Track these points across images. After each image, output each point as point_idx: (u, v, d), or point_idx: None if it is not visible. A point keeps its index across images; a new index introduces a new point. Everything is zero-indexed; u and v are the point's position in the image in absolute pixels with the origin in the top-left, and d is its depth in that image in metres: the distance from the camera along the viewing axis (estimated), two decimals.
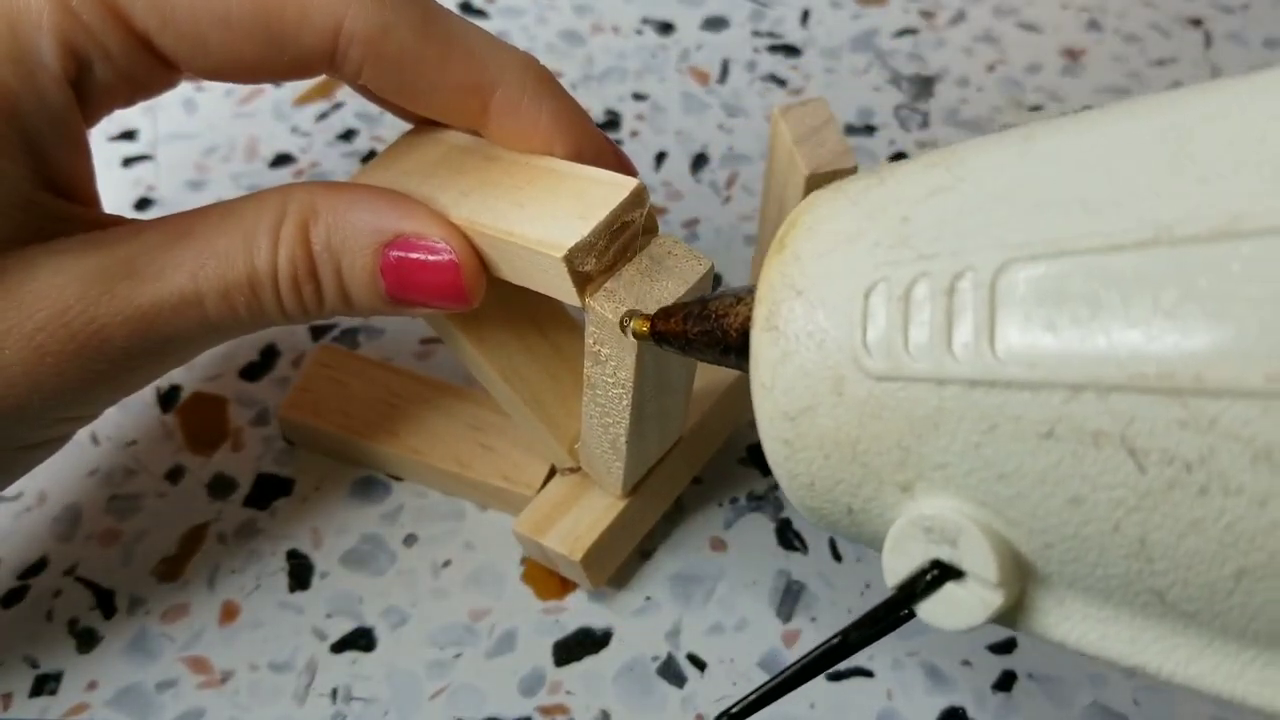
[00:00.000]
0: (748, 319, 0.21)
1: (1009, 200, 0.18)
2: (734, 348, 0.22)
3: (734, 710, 0.21)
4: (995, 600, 0.18)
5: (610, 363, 0.25)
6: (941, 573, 0.19)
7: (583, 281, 0.24)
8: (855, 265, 0.19)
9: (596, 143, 0.27)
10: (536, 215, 0.24)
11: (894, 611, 0.19)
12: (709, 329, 0.22)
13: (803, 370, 0.19)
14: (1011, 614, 0.19)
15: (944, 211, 0.19)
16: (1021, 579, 0.19)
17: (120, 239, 0.25)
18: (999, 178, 0.18)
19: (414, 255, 0.25)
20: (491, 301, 0.26)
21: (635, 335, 0.24)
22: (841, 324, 0.19)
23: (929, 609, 0.19)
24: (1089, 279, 0.16)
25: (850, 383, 0.19)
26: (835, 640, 0.20)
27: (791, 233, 0.21)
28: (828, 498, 0.20)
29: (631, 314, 0.24)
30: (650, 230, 0.25)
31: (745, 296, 0.22)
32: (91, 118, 0.26)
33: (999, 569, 0.18)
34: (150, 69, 0.26)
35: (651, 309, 0.24)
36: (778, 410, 0.20)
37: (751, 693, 0.21)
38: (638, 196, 0.24)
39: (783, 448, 0.20)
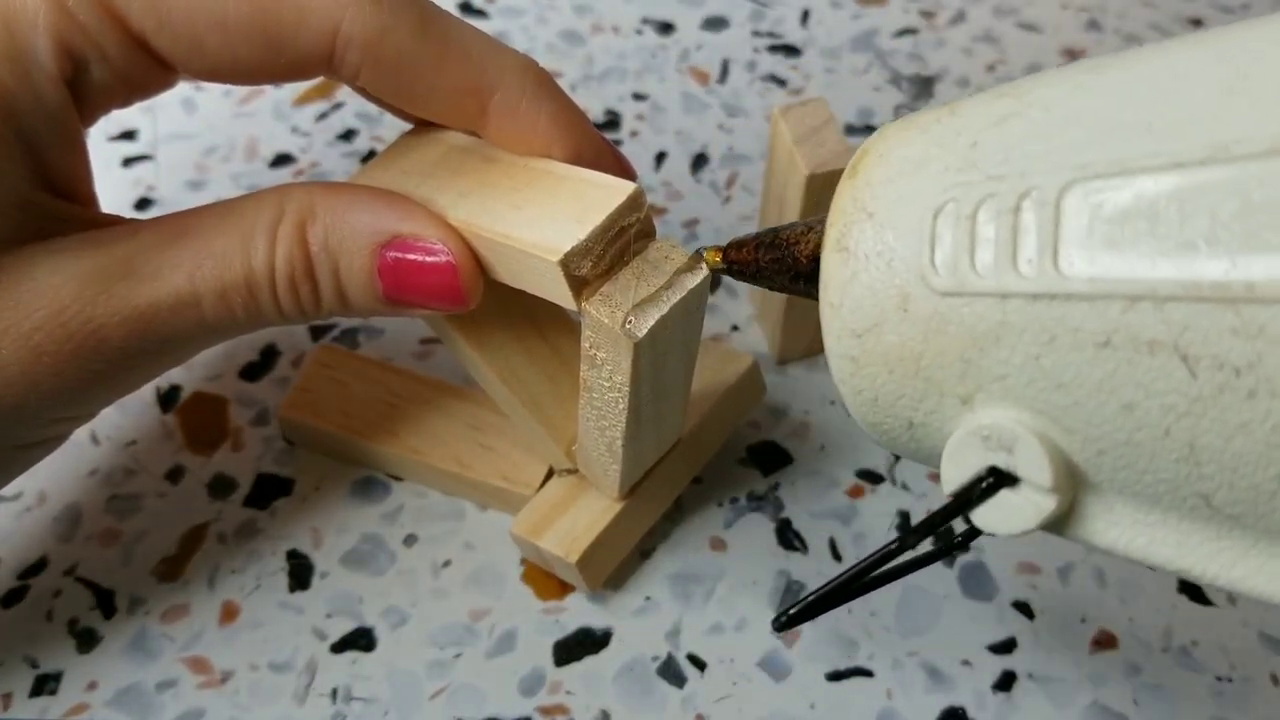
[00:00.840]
0: (819, 245, 0.22)
1: (1074, 125, 0.19)
2: (804, 274, 0.23)
3: (791, 611, 0.22)
4: (1048, 505, 0.19)
5: (606, 366, 0.25)
6: (997, 480, 0.19)
7: (579, 285, 0.24)
8: (924, 188, 0.20)
9: (595, 145, 0.27)
10: (534, 218, 0.24)
11: (951, 517, 0.20)
12: (780, 256, 0.23)
13: (871, 288, 0.20)
14: (1062, 520, 0.20)
15: (1011, 137, 0.19)
16: (1073, 485, 0.19)
17: (117, 238, 0.25)
18: (1065, 105, 0.19)
19: (411, 256, 0.25)
20: (489, 302, 0.26)
21: (709, 266, 0.24)
22: (910, 243, 0.20)
23: (983, 515, 0.20)
24: (1149, 196, 0.17)
25: (916, 300, 0.20)
26: (891, 545, 0.21)
27: (863, 160, 0.21)
28: (890, 412, 0.21)
29: (702, 248, 0.25)
30: (647, 234, 0.25)
31: (815, 225, 0.23)
32: (88, 118, 0.26)
33: (1053, 474, 0.19)
34: (147, 69, 0.26)
35: (648, 314, 0.24)
36: (845, 328, 0.21)
37: (809, 594, 0.22)
38: (635, 200, 0.24)
39: (849, 364, 0.21)
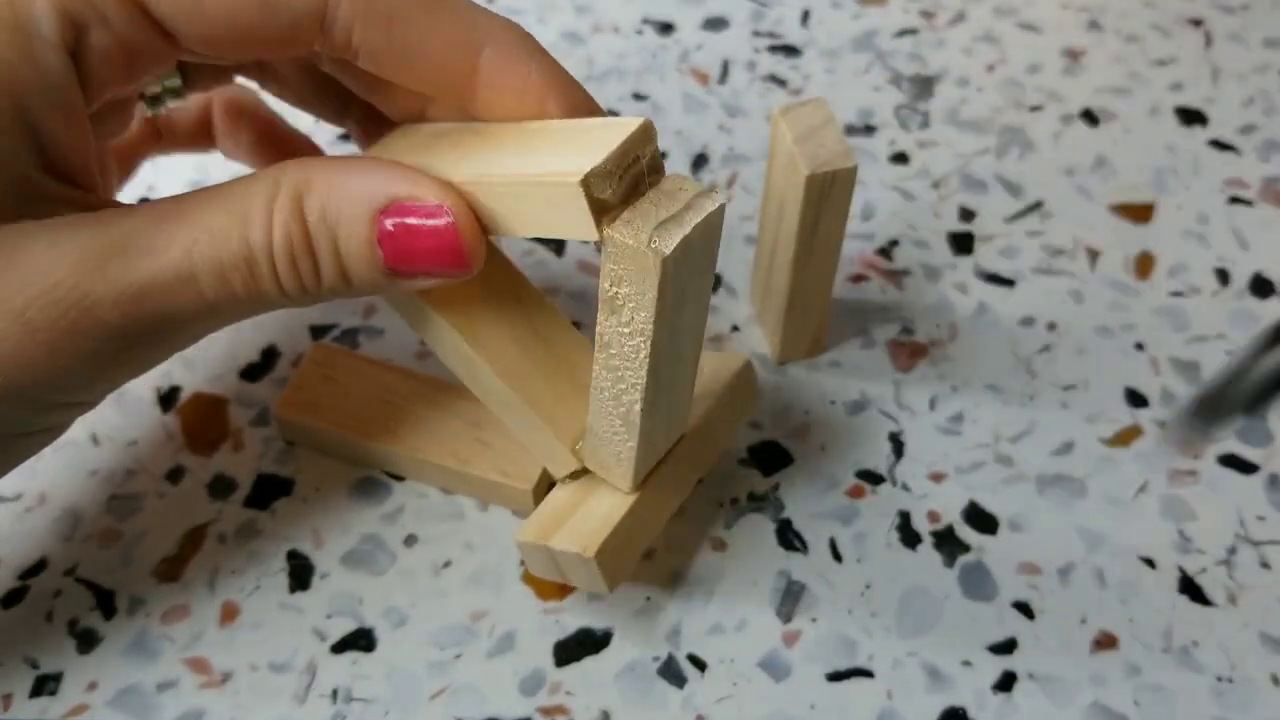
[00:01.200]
0: None
1: None
2: None
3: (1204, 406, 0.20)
4: None
5: (629, 304, 0.24)
6: None
7: (600, 210, 0.23)
8: None
9: (589, 102, 0.27)
10: (545, 157, 0.24)
11: None
12: None
13: None
14: None
15: None
16: None
17: (114, 218, 0.24)
18: None
19: (411, 220, 0.24)
20: (485, 303, 0.26)
21: None
22: None
23: None
24: None
25: None
26: None
27: None
28: None
29: None
30: (658, 170, 0.24)
31: None
32: (91, 94, 0.26)
33: None
34: (147, 37, 0.25)
35: (672, 233, 0.23)
36: None
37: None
38: (647, 131, 0.24)
39: None
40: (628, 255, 0.23)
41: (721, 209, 0.24)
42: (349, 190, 0.25)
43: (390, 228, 0.24)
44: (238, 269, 0.24)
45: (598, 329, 0.25)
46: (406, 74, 0.26)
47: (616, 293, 0.24)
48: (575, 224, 0.24)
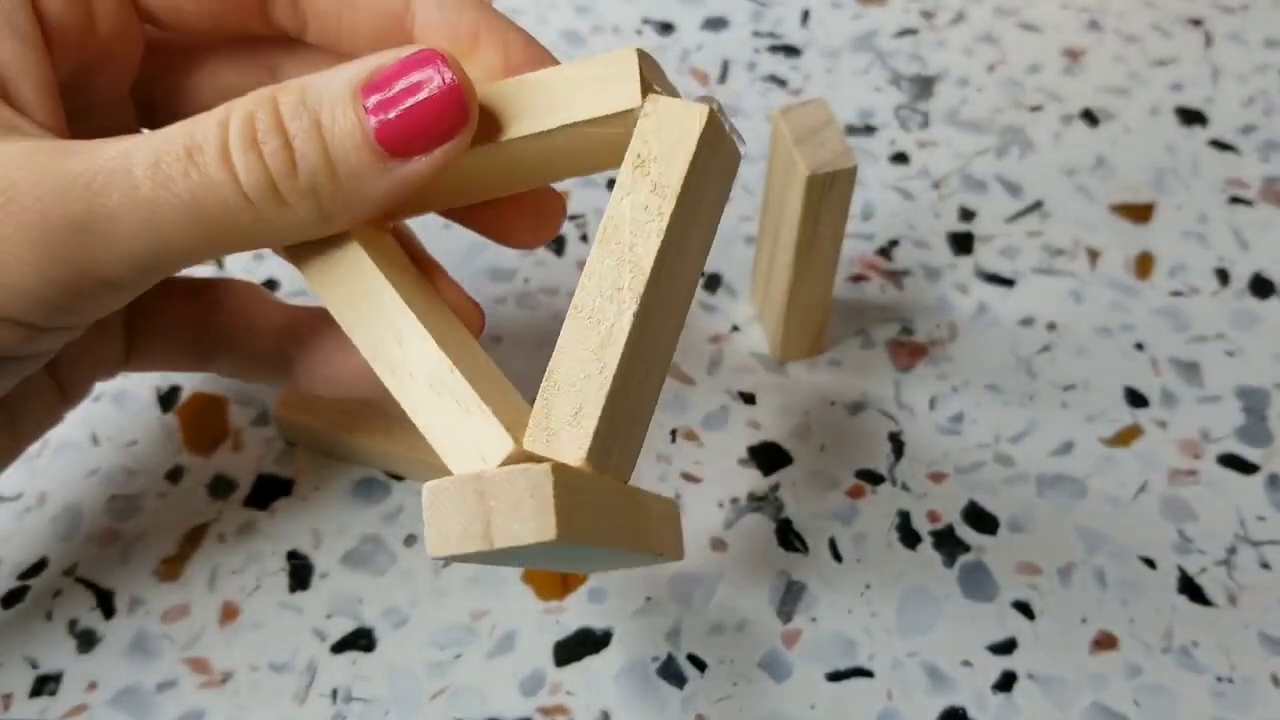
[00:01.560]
0: None
1: None
2: None
3: None
4: None
5: (653, 169, 0.23)
6: None
7: (646, 85, 0.23)
8: None
9: (538, 49, 0.26)
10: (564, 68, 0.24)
11: None
12: None
13: None
14: None
15: None
16: None
17: (61, 140, 0.23)
18: None
19: (401, 89, 0.22)
20: (416, 293, 0.25)
21: None
22: None
23: None
24: None
25: None
26: None
27: None
28: None
29: None
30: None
31: None
32: (47, 27, 0.24)
33: None
34: None
35: (711, 106, 0.23)
36: None
37: None
38: (671, 87, 0.24)
39: None
40: (670, 114, 0.23)
41: (738, 154, 0.24)
42: (330, 79, 0.23)
43: (379, 102, 0.22)
44: (177, 157, 0.22)
45: (606, 214, 0.23)
46: (349, 31, 0.26)
47: (643, 158, 0.23)
48: (618, 89, 0.23)
